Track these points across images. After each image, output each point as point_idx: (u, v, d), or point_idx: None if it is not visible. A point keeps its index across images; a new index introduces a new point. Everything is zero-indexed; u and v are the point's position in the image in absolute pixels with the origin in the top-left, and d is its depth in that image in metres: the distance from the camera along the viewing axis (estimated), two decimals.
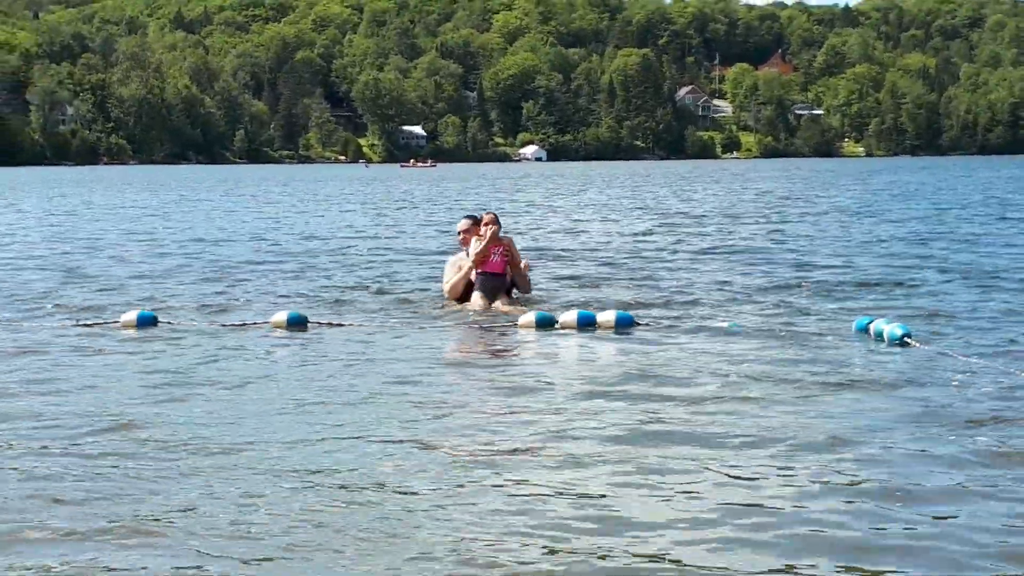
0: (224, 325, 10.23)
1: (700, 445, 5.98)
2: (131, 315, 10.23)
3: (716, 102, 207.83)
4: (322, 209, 34.57)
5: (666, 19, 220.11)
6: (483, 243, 11.23)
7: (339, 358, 8.60)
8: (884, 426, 6.35)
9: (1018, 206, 30.93)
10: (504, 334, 9.80)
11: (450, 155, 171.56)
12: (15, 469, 5.60)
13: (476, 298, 11.24)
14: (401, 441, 6.11)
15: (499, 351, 9.09)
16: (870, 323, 9.30)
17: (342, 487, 5.30)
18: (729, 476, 5.44)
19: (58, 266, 16.25)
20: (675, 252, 17.79)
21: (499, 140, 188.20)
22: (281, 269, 15.60)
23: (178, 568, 4.34)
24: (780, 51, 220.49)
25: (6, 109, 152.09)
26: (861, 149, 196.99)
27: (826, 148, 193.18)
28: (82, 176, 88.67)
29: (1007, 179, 57.22)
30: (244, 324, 10.26)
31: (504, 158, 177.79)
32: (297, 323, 10.07)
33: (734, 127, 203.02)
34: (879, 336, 9.01)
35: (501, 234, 11.43)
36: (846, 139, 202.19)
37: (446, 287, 11.63)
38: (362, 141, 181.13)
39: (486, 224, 11.37)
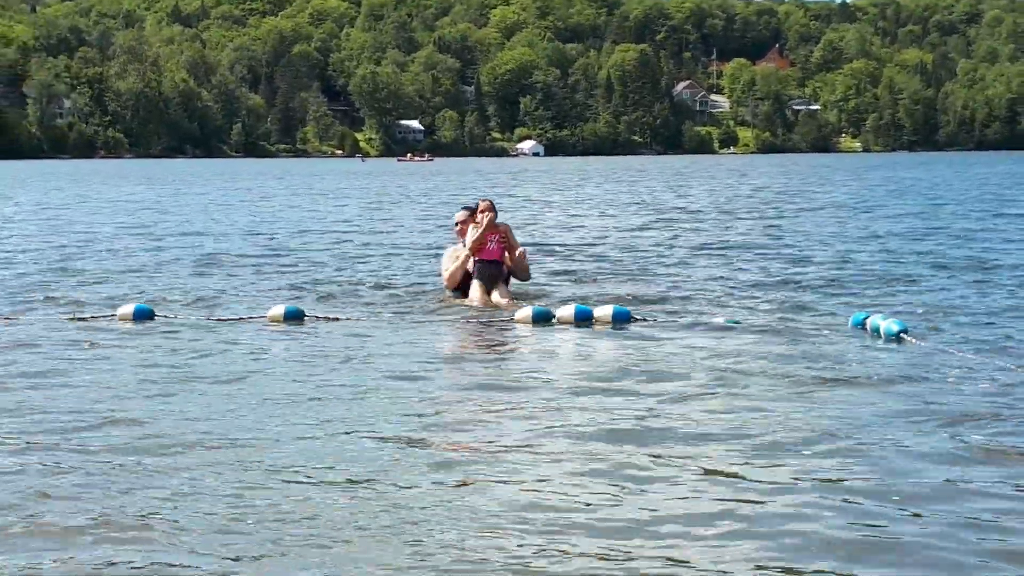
0: (221, 319, 10.22)
1: (696, 441, 5.98)
2: (128, 308, 10.22)
3: (713, 97, 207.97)
4: (319, 203, 34.54)
5: (663, 14, 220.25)
6: (480, 230, 11.19)
7: (336, 352, 8.59)
8: (880, 422, 6.34)
9: (1014, 202, 30.94)
10: (501, 329, 9.78)
11: (447, 149, 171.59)
12: (6, 464, 5.58)
13: (475, 286, 11.22)
14: (397, 436, 6.10)
15: (496, 346, 9.07)
16: (866, 319, 9.30)
17: (337, 482, 5.29)
18: (724, 472, 5.43)
19: (54, 259, 16.22)
20: (672, 247, 17.79)
21: (496, 135, 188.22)
22: (278, 263, 15.58)
23: (171, 564, 4.32)
24: (777, 46, 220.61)
25: (3, 102, 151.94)
26: (858, 145, 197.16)
27: (823, 144, 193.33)
28: (79, 169, 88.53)
29: (1004, 175, 57.25)
30: (241, 318, 10.25)
31: (501, 153, 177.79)
32: (294, 317, 10.06)
33: (731, 122, 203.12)
34: (875, 332, 9.00)
35: (497, 221, 11.40)
36: (843, 135, 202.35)
37: (444, 276, 11.62)
38: (359, 135, 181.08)
39: (482, 211, 11.34)
